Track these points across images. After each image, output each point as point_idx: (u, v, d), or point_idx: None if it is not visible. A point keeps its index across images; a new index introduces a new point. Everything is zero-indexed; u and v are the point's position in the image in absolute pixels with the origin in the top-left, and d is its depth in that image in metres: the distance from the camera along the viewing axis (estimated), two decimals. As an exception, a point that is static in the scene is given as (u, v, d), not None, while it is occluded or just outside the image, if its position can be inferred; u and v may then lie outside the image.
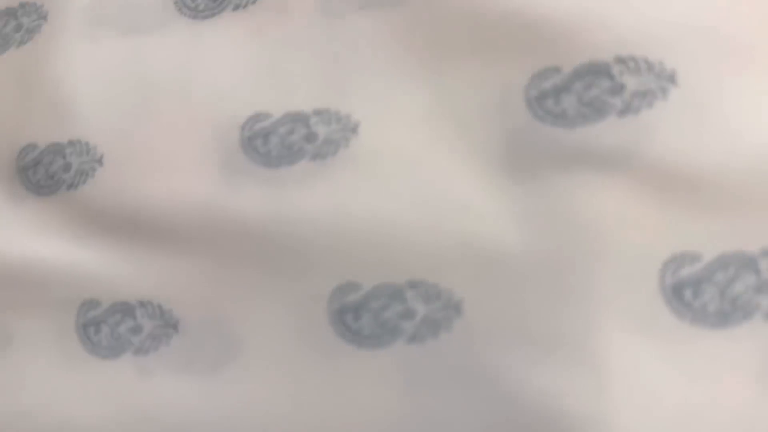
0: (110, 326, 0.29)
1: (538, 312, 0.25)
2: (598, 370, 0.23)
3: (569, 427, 0.23)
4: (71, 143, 0.31)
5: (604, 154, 0.25)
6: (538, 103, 0.26)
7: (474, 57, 0.28)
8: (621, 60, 0.25)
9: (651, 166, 0.24)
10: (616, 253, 0.24)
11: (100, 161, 0.30)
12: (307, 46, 0.30)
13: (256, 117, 0.29)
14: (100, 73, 0.31)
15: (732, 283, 0.24)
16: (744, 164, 0.24)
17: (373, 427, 0.25)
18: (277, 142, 0.29)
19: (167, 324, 0.28)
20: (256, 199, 0.28)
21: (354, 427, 0.26)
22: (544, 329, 0.24)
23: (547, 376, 0.24)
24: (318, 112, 0.29)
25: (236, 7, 0.31)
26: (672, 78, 0.25)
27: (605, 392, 0.23)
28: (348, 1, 0.30)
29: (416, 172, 0.27)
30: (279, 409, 0.27)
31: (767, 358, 0.23)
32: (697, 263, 0.24)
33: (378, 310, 0.26)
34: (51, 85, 0.32)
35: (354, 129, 0.28)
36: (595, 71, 0.26)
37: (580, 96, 0.26)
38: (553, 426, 0.23)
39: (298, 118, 0.29)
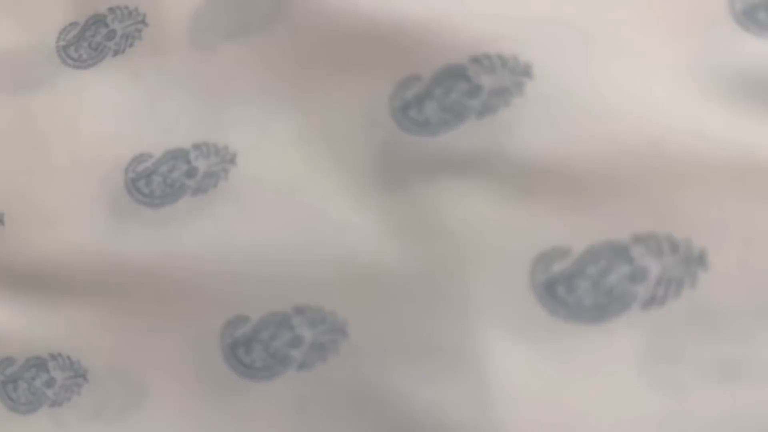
0: (27, 381, 0.29)
1: (416, 325, 0.24)
2: (479, 379, 0.23)
3: None
4: (-28, 208, 0.31)
5: (465, 159, 0.24)
6: (403, 113, 0.26)
7: (338, 74, 0.27)
8: (476, 60, 0.25)
9: (511, 165, 0.24)
10: (485, 257, 0.24)
11: (1, 221, 0.31)
12: (183, 82, 0.30)
13: (139, 158, 0.29)
14: None
15: (605, 274, 0.23)
16: (605, 151, 0.23)
17: None
18: (160, 182, 0.29)
19: (77, 374, 0.29)
20: (142, 242, 0.28)
21: None
22: (425, 342, 0.24)
23: (431, 389, 0.24)
24: (197, 147, 0.29)
25: (115, 53, 0.31)
26: (527, 71, 0.24)
27: (488, 400, 0.23)
28: (216, 32, 0.29)
29: (294, 197, 0.27)
30: None
31: (647, 349, 0.23)
32: (568, 258, 0.23)
33: (267, 341, 0.26)
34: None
35: (232, 160, 0.28)
36: (452, 75, 0.25)
37: (441, 102, 0.25)
38: None
39: (178, 155, 0.29)
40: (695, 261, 0.23)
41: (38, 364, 0.30)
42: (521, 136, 0.24)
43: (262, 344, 0.26)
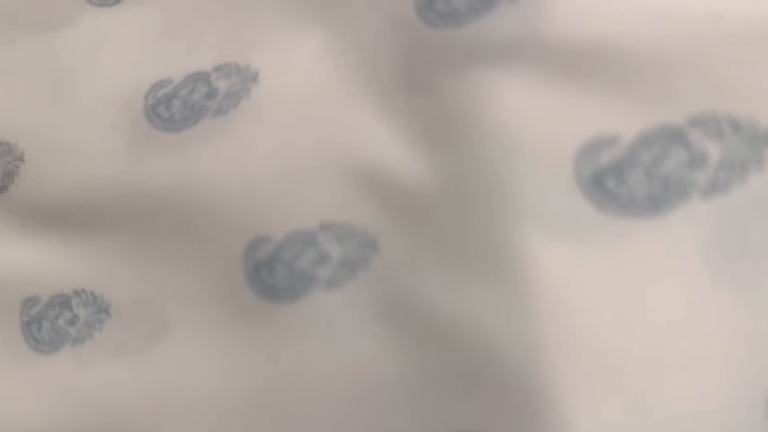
0: (50, 320, 0.28)
1: (451, 234, 0.22)
2: (518, 286, 0.21)
3: (492, 353, 0.21)
4: (-3, 146, 0.31)
5: (497, 47, 0.22)
6: (428, 7, 0.24)
7: None
8: None
9: (549, 49, 0.22)
10: (522, 152, 0.22)
11: (21, 158, 0.30)
12: (205, 9, 0.29)
13: (159, 84, 0.28)
14: (18, 72, 0.31)
15: (659, 161, 0.21)
16: (655, 26, 0.21)
17: (300, 381, 0.24)
18: (180, 105, 0.27)
19: (100, 309, 0.28)
20: (162, 167, 0.27)
21: (280, 384, 0.24)
22: (460, 251, 0.22)
23: (467, 298, 0.21)
24: (218, 68, 0.27)
25: None
26: None
27: (528, 308, 0.21)
28: None
29: (318, 111, 0.25)
30: (210, 380, 0.25)
31: (711, 242, 0.20)
32: (616, 146, 0.21)
33: (291, 261, 0.24)
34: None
35: (254, 78, 0.26)
36: None
37: None
38: (477, 354, 0.21)
39: (198, 77, 0.27)
40: (762, 140, 0.20)
41: (62, 302, 0.28)
42: (559, 16, 0.21)
43: (286, 264, 0.24)
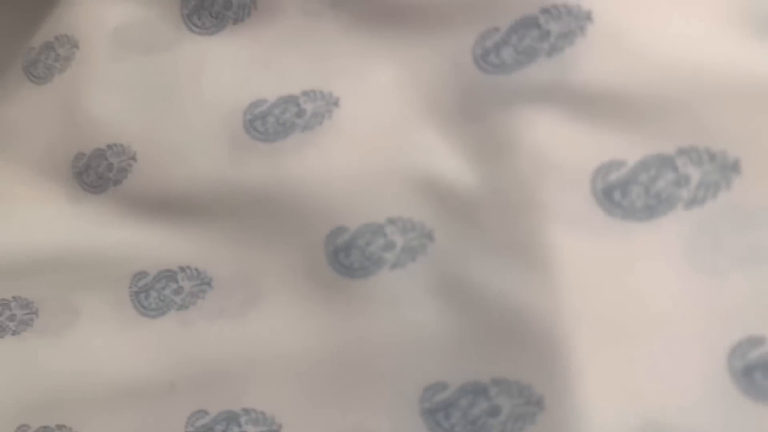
0: (157, 291, 0.35)
1: (492, 229, 0.29)
2: (545, 267, 0.28)
3: (523, 318, 0.28)
4: (110, 147, 0.37)
5: (537, 89, 0.29)
6: (483, 59, 0.31)
7: (426, 31, 0.33)
8: (546, 10, 0.30)
9: (577, 92, 0.29)
10: (551, 169, 0.29)
11: (134, 158, 0.37)
12: (293, 44, 0.35)
13: (256, 103, 0.35)
14: (129, 85, 0.38)
15: (654, 181, 0.28)
16: (654, 80, 0.28)
17: (370, 341, 0.30)
18: (273, 121, 0.34)
19: (203, 282, 0.34)
20: (258, 170, 0.33)
21: (354, 344, 0.31)
22: (498, 242, 0.29)
23: (505, 279, 0.28)
24: (305, 93, 0.34)
25: (235, 21, 0.37)
26: (588, 17, 0.29)
27: (553, 284, 0.28)
28: (321, 3, 0.35)
29: (390, 131, 0.32)
30: (295, 340, 0.32)
31: (691, 241, 0.27)
32: (623, 168, 0.28)
33: (364, 246, 0.31)
34: (91, 102, 0.38)
35: (336, 103, 0.33)
36: (526, 24, 0.30)
37: (516, 47, 0.30)
38: (511, 319, 0.28)
39: (289, 100, 0.34)
40: (730, 168, 0.27)
41: (168, 276, 0.35)
42: (583, 68, 0.29)
43: (359, 249, 0.31)
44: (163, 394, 0.33)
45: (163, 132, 0.36)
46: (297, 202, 0.33)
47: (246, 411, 0.32)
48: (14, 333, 0.38)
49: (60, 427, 0.35)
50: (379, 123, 0.32)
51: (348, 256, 0.31)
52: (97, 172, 0.37)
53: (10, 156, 0.41)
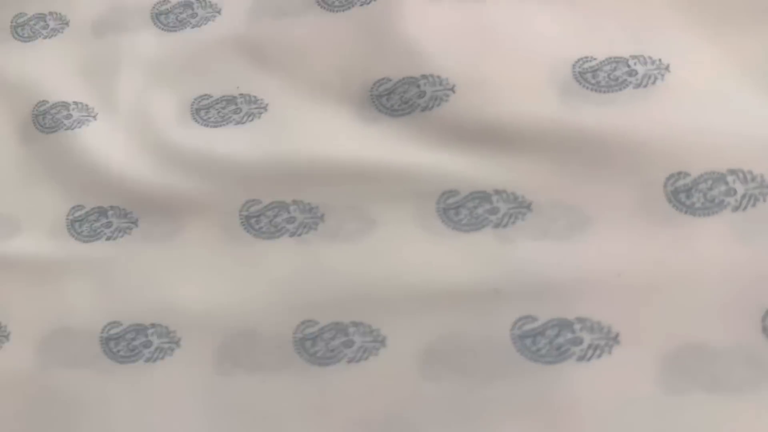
0: (469, 209, 0.37)
1: None
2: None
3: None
4: (424, 77, 0.40)
5: None
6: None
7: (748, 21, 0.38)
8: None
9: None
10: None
11: (452, 90, 0.39)
12: (614, 14, 0.40)
13: (584, 59, 0.39)
14: (445, 25, 0.41)
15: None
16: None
17: (701, 272, 0.34)
18: (605, 76, 0.38)
19: (521, 205, 0.37)
20: (591, 115, 0.37)
21: (688, 271, 0.34)
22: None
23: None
24: (634, 57, 0.38)
25: None
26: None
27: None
28: None
29: (718, 97, 0.37)
30: (630, 260, 0.34)
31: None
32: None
33: (705, 190, 0.35)
34: (403, 35, 0.41)
35: (667, 68, 0.38)
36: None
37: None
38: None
39: (619, 60, 0.38)
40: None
41: (481, 196, 0.37)
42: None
43: (701, 192, 0.35)
44: (487, 299, 0.35)
45: (484, 70, 0.39)
46: (630, 146, 0.36)
47: (580, 319, 0.34)
48: (292, 234, 0.39)
49: (356, 324, 0.36)
50: (710, 90, 0.37)
51: (689, 197, 0.35)
52: (403, 98, 0.40)
53: (298, 75, 0.43)
